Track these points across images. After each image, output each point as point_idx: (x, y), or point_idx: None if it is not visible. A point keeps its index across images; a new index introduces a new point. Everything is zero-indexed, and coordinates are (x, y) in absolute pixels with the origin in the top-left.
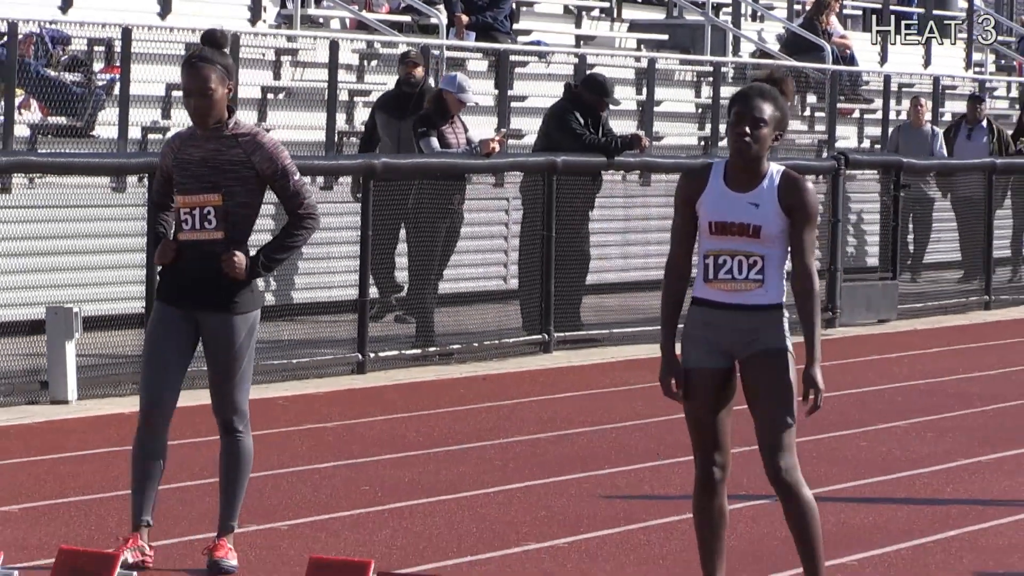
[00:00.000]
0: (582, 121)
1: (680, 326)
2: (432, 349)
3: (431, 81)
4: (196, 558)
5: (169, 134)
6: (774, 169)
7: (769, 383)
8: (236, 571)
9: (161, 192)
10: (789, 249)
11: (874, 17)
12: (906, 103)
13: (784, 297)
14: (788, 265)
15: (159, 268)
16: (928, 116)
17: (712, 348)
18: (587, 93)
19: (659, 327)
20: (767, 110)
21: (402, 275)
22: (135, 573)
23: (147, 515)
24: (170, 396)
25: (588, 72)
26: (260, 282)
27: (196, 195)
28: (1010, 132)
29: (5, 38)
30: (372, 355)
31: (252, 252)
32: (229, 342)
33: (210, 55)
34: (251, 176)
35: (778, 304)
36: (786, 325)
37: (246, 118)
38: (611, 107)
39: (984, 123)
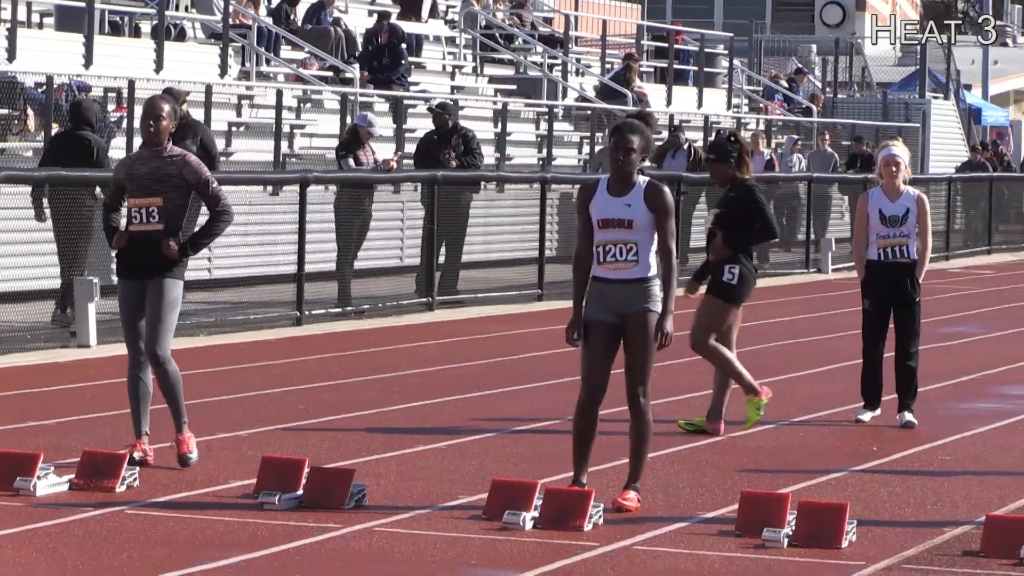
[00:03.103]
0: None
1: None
2: (349, 308)
3: (353, 117)
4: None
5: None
6: (642, 180)
7: (640, 334)
8: (195, 462)
9: (114, 198)
10: (656, 236)
11: (663, 72)
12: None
13: (655, 271)
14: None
15: (115, 252)
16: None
17: (606, 309)
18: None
19: (513, 292)
20: (636, 141)
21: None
22: (138, 468)
23: (145, 427)
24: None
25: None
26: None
27: (144, 198)
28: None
29: (44, 87)
30: (307, 312)
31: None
32: (161, 295)
33: (167, 97)
34: (183, 185)
35: (651, 276)
36: (657, 291)
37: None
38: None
39: (685, 147)
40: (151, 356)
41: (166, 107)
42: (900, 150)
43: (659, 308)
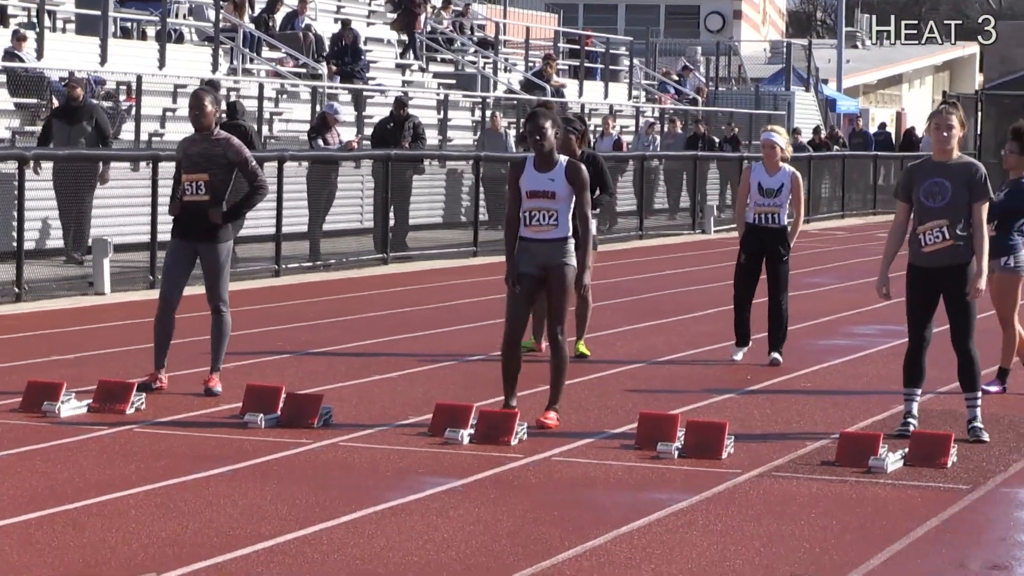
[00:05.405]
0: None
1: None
2: (319, 263)
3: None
4: (186, 385)
5: (169, 137)
6: (563, 159)
7: (559, 283)
8: (219, 394)
9: (177, 174)
10: (572, 204)
11: (576, 69)
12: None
13: (570, 232)
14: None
15: (173, 217)
16: (504, 124)
17: (531, 263)
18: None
19: (453, 249)
20: (547, 124)
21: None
22: (144, 395)
23: (163, 361)
24: (176, 295)
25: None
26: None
27: (194, 173)
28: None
29: (66, 81)
30: (284, 266)
31: (226, 207)
32: (216, 258)
33: (208, 89)
34: (226, 163)
35: (567, 237)
36: (571, 248)
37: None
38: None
39: None
40: (214, 307)
41: (207, 98)
42: (778, 136)
43: (574, 262)
